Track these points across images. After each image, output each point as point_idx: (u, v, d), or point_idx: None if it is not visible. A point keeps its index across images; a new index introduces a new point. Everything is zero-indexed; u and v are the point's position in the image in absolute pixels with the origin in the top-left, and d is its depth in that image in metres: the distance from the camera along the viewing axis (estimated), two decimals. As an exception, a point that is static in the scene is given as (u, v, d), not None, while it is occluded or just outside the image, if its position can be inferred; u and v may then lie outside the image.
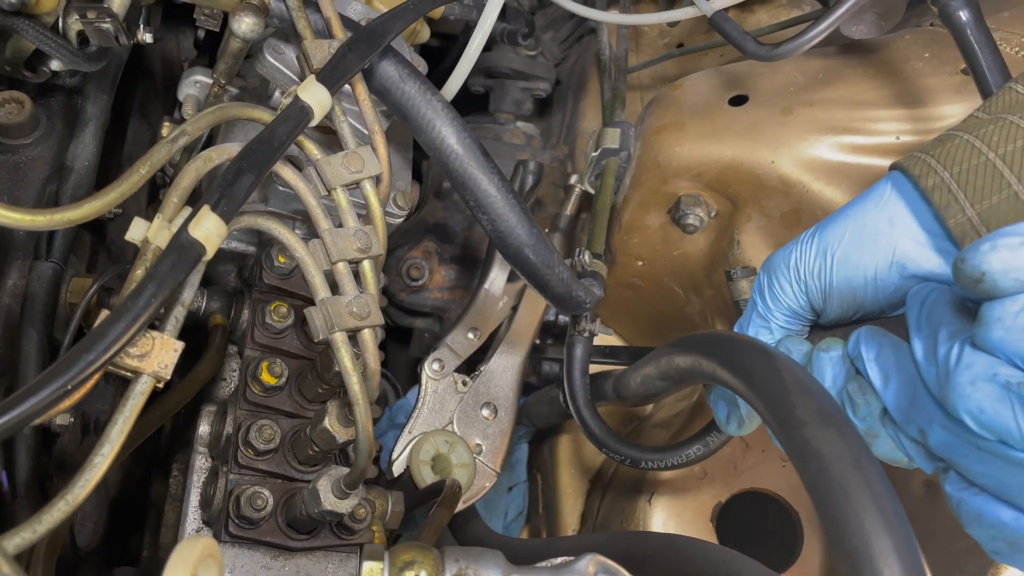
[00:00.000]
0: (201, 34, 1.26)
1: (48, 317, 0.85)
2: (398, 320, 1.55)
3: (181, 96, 1.10)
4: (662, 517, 1.18)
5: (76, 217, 0.65)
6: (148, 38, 1.07)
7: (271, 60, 0.93)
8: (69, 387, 0.57)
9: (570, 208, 1.38)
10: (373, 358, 0.78)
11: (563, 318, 1.42)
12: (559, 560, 0.66)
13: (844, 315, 0.76)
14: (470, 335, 1.26)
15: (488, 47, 1.60)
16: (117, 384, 1.12)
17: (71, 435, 1.04)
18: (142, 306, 0.61)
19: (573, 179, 1.37)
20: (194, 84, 1.10)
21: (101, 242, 1.07)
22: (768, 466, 1.20)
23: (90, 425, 1.07)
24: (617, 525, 1.24)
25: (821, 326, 0.81)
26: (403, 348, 1.70)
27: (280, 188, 1.01)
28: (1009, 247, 0.55)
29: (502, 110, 1.62)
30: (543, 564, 0.66)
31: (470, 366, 1.25)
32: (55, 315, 0.87)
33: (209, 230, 0.66)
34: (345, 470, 0.82)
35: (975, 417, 0.57)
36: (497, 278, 1.30)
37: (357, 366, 0.75)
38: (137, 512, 1.19)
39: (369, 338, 0.78)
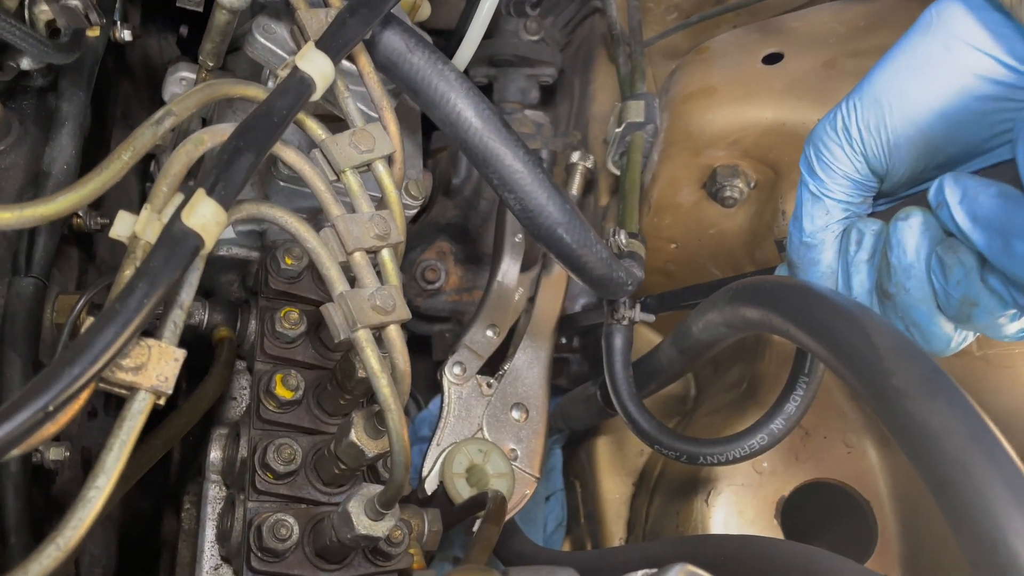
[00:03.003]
0: (184, 31, 1.17)
1: (32, 339, 0.76)
2: (414, 328, 1.45)
3: (167, 96, 1.01)
4: (722, 517, 1.08)
5: (49, 212, 0.55)
6: (127, 35, 0.99)
7: (261, 40, 0.84)
8: (51, 408, 0.48)
9: (575, 188, 1.30)
10: (402, 357, 0.68)
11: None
12: (640, 573, 0.57)
13: (916, 168, 0.67)
14: (489, 333, 1.16)
15: (490, 33, 1.50)
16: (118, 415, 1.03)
17: (71, 472, 0.94)
18: (133, 308, 0.52)
19: (575, 157, 1.28)
20: (179, 82, 1.01)
21: (90, 260, 0.98)
22: (832, 453, 1.10)
23: (92, 461, 0.98)
24: (671, 529, 1.14)
25: (885, 195, 0.71)
26: (419, 358, 1.60)
27: (282, 184, 0.92)
28: None
29: (508, 100, 1.53)
30: (622, 580, 0.57)
31: (492, 366, 1.15)
32: (40, 337, 0.77)
33: (206, 217, 0.56)
34: (378, 488, 0.72)
35: None
36: (510, 269, 1.20)
37: (386, 367, 0.66)
38: (150, 553, 1.10)
39: (396, 335, 0.68)
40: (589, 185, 1.34)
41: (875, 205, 0.73)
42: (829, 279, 0.71)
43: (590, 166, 1.31)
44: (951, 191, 0.58)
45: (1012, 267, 0.56)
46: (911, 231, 0.62)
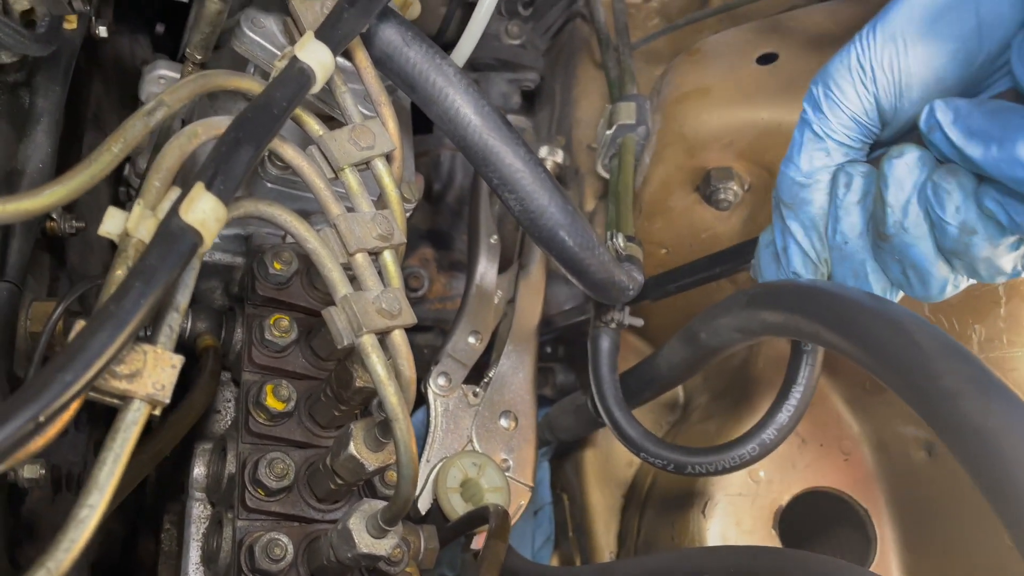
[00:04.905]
0: (161, 28, 1.12)
1: (6, 348, 0.71)
2: (395, 339, 1.41)
3: (143, 96, 0.97)
4: (719, 528, 1.05)
5: (34, 207, 0.51)
6: (102, 31, 0.95)
7: (250, 35, 0.81)
8: (42, 419, 0.44)
9: None
10: (408, 364, 0.65)
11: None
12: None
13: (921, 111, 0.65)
14: (471, 339, 1.12)
15: (471, 37, 1.48)
16: (90, 430, 0.97)
17: (42, 492, 0.89)
18: (129, 310, 0.47)
19: (543, 152, 1.23)
20: (158, 80, 0.96)
21: (61, 267, 0.93)
22: (829, 461, 1.08)
23: (62, 480, 0.92)
24: (666, 542, 1.11)
25: (881, 145, 0.70)
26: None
27: (269, 185, 0.88)
28: None
29: (489, 105, 1.50)
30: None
31: (476, 374, 1.11)
32: (14, 347, 0.72)
33: (206, 213, 0.52)
34: (379, 504, 0.68)
35: None
36: (487, 272, 1.15)
37: (392, 374, 0.62)
38: (123, 577, 1.04)
39: (402, 340, 0.65)
40: (560, 181, 1.31)
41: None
42: (820, 220, 0.70)
43: (559, 161, 1.27)
44: (943, 112, 0.57)
45: (1012, 171, 0.54)
46: (906, 165, 0.61)
